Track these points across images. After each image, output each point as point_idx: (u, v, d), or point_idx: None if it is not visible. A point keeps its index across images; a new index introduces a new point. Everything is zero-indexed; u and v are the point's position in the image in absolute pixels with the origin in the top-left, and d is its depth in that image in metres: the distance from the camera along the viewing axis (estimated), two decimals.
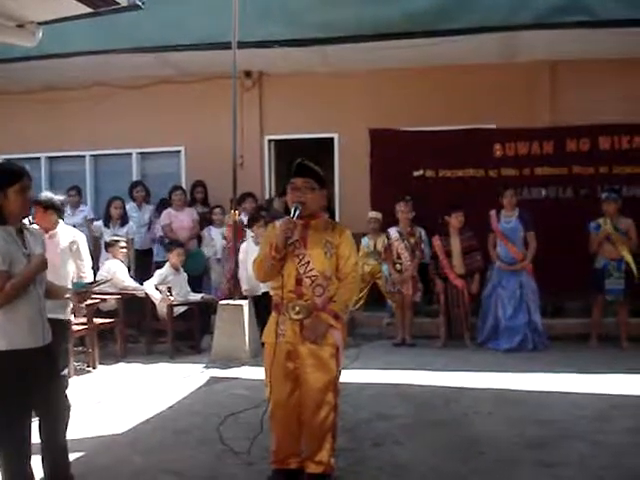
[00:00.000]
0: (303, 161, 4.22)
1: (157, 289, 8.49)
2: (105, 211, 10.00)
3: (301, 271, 4.07)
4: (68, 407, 4.04)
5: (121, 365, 7.98)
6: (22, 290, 3.63)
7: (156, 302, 8.47)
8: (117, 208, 9.86)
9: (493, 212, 8.67)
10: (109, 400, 6.35)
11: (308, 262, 4.07)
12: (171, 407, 6.14)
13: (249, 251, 8.56)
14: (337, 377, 4.17)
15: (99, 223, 10.03)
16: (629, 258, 8.31)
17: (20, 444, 3.64)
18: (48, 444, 3.91)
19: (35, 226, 4.79)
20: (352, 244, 4.26)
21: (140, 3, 5.48)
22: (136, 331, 9.10)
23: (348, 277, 4.15)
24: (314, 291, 4.07)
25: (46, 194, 5.70)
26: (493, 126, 10.20)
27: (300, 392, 4.13)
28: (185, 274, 8.93)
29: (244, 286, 8.63)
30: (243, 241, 8.93)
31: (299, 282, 4.07)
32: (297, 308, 4.07)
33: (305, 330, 4.05)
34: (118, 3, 5.43)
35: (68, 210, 9.76)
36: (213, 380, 7.10)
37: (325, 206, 4.31)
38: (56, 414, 3.94)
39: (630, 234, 8.39)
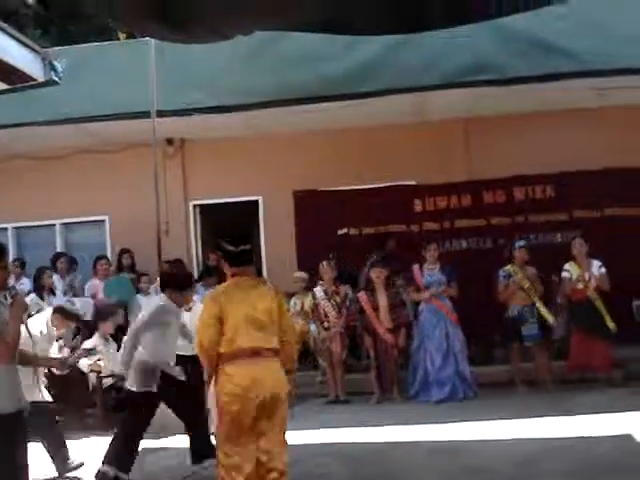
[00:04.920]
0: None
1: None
2: (36, 282, 9.73)
3: None
4: None
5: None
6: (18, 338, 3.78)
7: (85, 371, 8.26)
8: (50, 277, 9.64)
9: (416, 266, 8.81)
10: None
11: None
12: None
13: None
14: None
15: (33, 295, 9.60)
16: (541, 305, 8.59)
17: None
18: None
19: None
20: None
21: (57, 79, 5.52)
22: (64, 404, 8.80)
23: None
24: None
25: None
26: (413, 182, 10.51)
27: None
28: (115, 344, 8.74)
29: None
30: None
31: None
32: None
33: None
34: (34, 79, 5.45)
35: (12, 281, 9.45)
36: (145, 451, 6.94)
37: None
38: None
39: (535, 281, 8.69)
